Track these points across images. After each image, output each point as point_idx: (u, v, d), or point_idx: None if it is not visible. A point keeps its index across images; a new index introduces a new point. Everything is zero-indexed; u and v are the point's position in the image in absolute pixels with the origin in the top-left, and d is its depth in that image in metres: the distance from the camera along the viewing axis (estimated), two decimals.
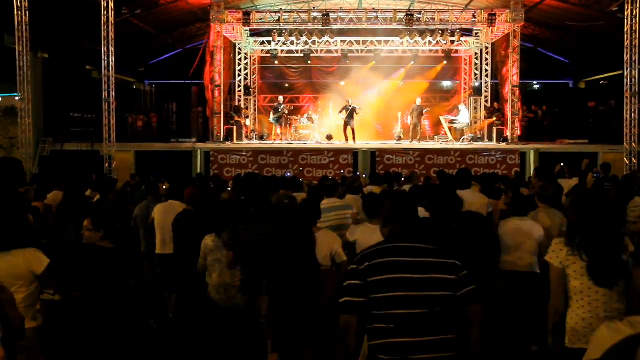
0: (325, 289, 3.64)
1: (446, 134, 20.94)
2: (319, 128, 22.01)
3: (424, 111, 20.53)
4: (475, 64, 23.25)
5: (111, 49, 16.91)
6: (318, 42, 20.92)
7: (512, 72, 19.80)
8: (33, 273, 4.16)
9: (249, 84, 23.70)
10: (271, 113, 21.30)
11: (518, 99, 19.83)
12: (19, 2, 16.19)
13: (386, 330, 2.99)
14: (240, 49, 23.07)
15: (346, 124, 19.74)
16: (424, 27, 19.95)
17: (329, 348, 3.41)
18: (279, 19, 19.99)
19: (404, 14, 19.48)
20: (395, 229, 3.17)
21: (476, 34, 22.63)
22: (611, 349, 1.72)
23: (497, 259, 5.10)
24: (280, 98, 21.69)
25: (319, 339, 3.32)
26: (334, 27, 20.15)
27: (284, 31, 20.27)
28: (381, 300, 2.99)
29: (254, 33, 23.24)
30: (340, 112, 19.90)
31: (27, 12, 16.32)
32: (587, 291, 3.51)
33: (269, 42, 22.15)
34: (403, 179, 11.29)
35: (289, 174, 15.02)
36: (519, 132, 19.83)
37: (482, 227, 3.95)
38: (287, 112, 21.21)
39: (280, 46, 22.19)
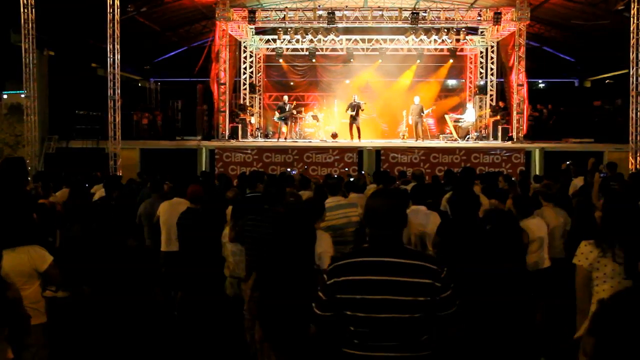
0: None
1: (451, 133, 20.93)
2: (323, 126, 22.03)
3: (426, 111, 20.48)
4: (481, 62, 23.24)
5: (117, 46, 16.93)
6: (323, 40, 20.92)
7: (518, 71, 19.78)
8: (37, 270, 4.18)
9: (254, 82, 23.73)
10: (276, 112, 21.29)
11: (523, 98, 19.81)
12: None
13: (353, 344, 2.90)
14: (245, 47, 23.09)
15: (352, 122, 19.74)
16: (430, 25, 19.94)
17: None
18: (284, 17, 20.02)
19: (410, 12, 19.49)
20: (373, 234, 2.95)
21: (481, 32, 22.59)
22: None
23: (524, 258, 5.05)
24: (285, 97, 21.67)
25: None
26: (339, 25, 20.15)
27: (289, 29, 20.28)
28: (348, 317, 2.88)
29: (259, 31, 23.27)
30: (347, 110, 19.89)
31: (34, 10, 16.35)
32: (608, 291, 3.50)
33: (274, 40, 22.17)
34: (410, 177, 11.19)
35: (294, 172, 15.00)
36: (524, 131, 19.80)
37: (512, 224, 3.88)
38: (294, 111, 21.20)
39: (286, 44, 22.21)
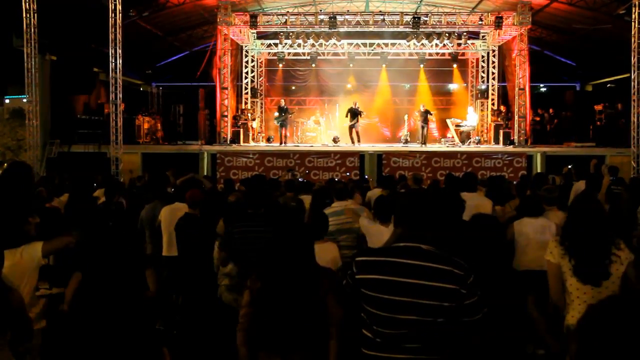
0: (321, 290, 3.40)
1: (453, 137, 20.93)
2: (325, 130, 22.07)
3: (429, 115, 20.48)
4: (482, 66, 23.24)
5: (119, 51, 16.95)
6: (325, 44, 20.95)
7: (519, 75, 19.78)
8: (31, 266, 4.14)
9: (256, 86, 23.75)
10: (274, 115, 21.28)
11: (524, 102, 19.81)
12: (27, 4, 16.27)
13: (374, 344, 2.89)
14: (247, 51, 23.14)
15: (351, 127, 19.78)
16: (431, 30, 19.98)
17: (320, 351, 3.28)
18: (285, 22, 20.06)
19: (411, 16, 19.52)
20: (403, 234, 2.95)
21: (483, 36, 22.62)
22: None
23: (510, 261, 5.10)
24: (282, 101, 21.64)
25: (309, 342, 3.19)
26: (341, 29, 20.20)
27: (290, 34, 20.34)
28: (371, 314, 2.89)
29: (261, 35, 23.31)
30: (346, 115, 19.93)
31: (36, 15, 16.40)
32: (576, 291, 3.70)
33: (276, 45, 22.23)
34: (411, 181, 11.15)
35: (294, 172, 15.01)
36: (526, 135, 19.79)
37: (495, 229, 3.88)
38: (291, 114, 21.18)
39: (287, 49, 22.25)
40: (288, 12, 20.67)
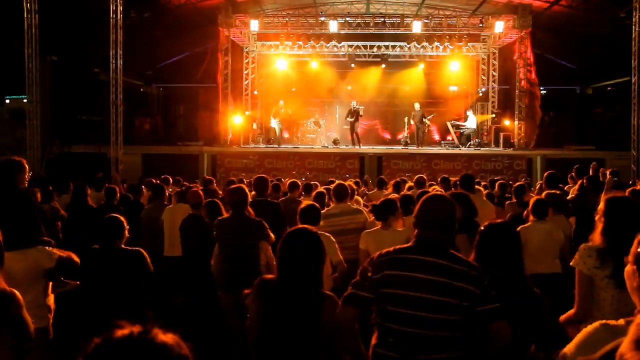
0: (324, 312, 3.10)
1: (453, 139, 20.93)
2: (325, 132, 22.03)
3: (428, 117, 20.43)
4: (482, 69, 23.23)
5: (119, 52, 16.96)
6: (325, 46, 20.94)
7: (519, 78, 19.79)
8: (43, 270, 4.17)
9: (256, 88, 23.72)
10: (271, 117, 21.12)
11: (524, 104, 19.82)
12: (28, 5, 16.28)
13: (386, 343, 2.89)
14: (247, 52, 23.11)
15: (353, 125, 19.72)
16: (431, 32, 19.99)
17: None
18: (286, 23, 20.07)
19: (412, 19, 19.53)
20: (421, 235, 2.97)
21: (483, 39, 22.59)
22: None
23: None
24: (281, 102, 21.53)
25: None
26: (341, 31, 20.19)
27: (291, 35, 20.33)
28: (386, 313, 2.89)
29: (262, 37, 23.26)
30: (347, 117, 19.91)
31: (37, 15, 16.40)
32: (611, 299, 3.35)
33: (277, 46, 22.19)
34: (414, 184, 11.04)
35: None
36: (524, 137, 19.80)
37: (510, 235, 3.79)
38: (290, 112, 21.12)
39: (288, 50, 22.21)
40: (289, 13, 20.68)
